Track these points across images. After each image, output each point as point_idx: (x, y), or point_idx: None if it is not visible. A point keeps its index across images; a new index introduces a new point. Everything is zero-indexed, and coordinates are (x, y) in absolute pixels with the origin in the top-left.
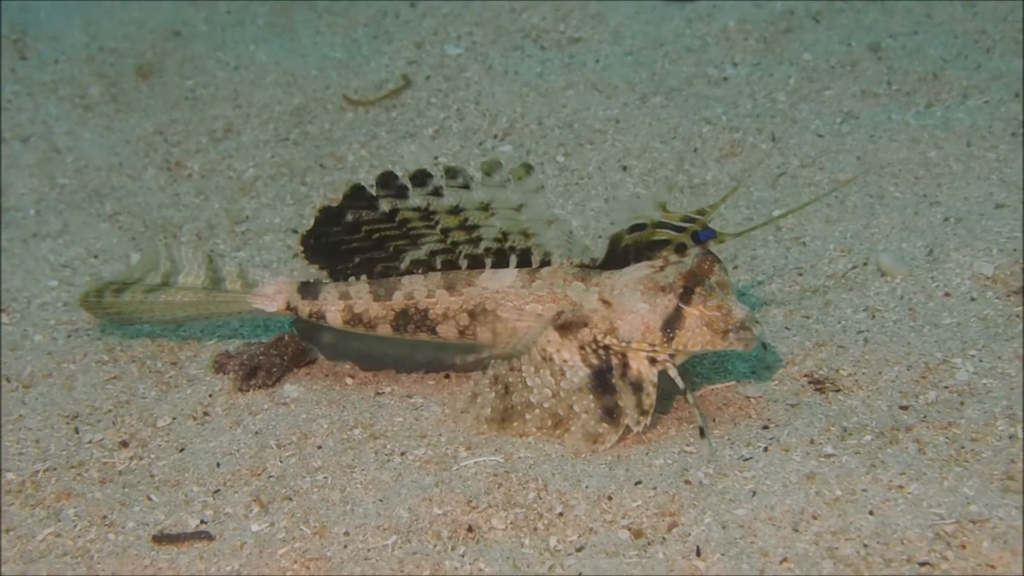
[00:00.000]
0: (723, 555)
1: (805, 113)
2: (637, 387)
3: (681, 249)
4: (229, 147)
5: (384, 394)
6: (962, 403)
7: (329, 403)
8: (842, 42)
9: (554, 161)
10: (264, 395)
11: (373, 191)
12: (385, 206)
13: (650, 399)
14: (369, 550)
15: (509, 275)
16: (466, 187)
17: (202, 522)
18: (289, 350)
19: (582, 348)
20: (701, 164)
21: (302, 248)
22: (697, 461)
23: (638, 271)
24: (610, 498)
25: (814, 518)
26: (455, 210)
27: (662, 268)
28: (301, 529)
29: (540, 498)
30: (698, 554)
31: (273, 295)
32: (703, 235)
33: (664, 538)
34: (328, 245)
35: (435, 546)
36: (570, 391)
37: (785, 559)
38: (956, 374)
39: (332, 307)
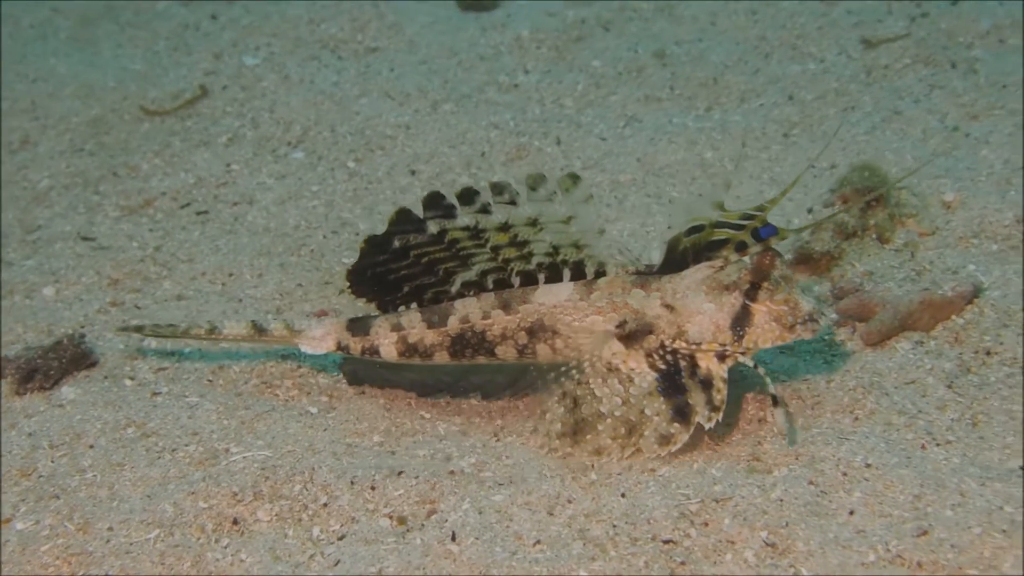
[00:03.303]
0: (477, 539)
1: (590, 117)
2: (707, 384)
3: (742, 248)
4: (25, 158)
5: (161, 394)
6: None
7: (105, 404)
8: (630, 49)
9: (345, 167)
10: (41, 398)
11: (420, 213)
12: (433, 228)
13: (720, 395)
14: (131, 544)
15: (565, 289)
16: (513, 203)
17: None
18: (68, 353)
19: (648, 356)
20: (488, 168)
21: (348, 283)
22: (460, 451)
23: (699, 272)
24: (373, 488)
25: (569, 502)
26: (504, 227)
27: (722, 268)
28: (65, 526)
29: (306, 490)
30: (453, 539)
31: (322, 337)
32: (764, 232)
33: (423, 525)
34: (375, 276)
35: (198, 539)
36: (640, 396)
37: (538, 541)
38: None
39: (385, 340)
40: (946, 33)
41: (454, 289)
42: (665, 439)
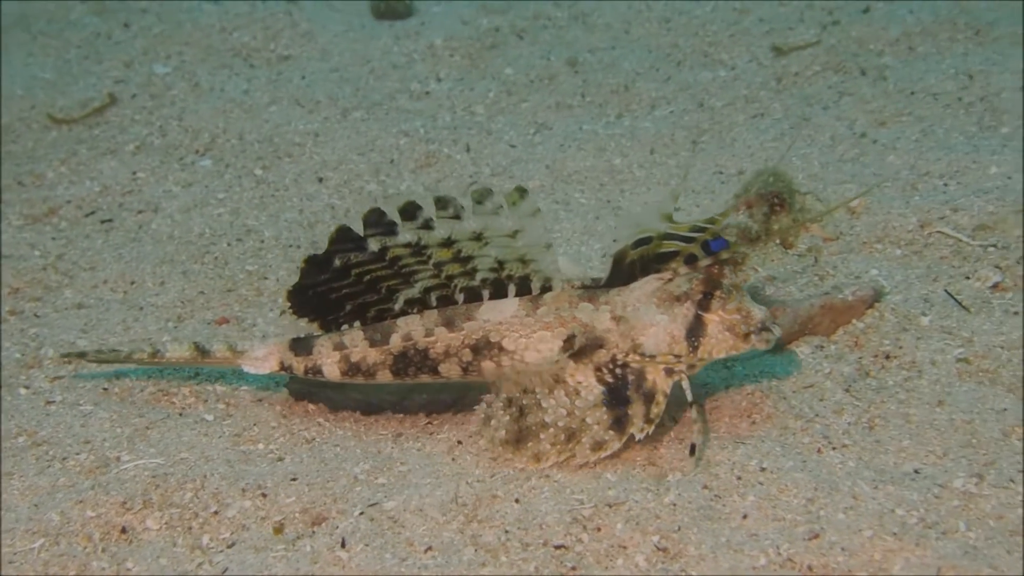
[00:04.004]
0: (367, 546)
1: (501, 125)
2: (649, 397)
3: (691, 261)
4: None
5: (54, 403)
6: None
7: None
8: (542, 57)
9: (252, 174)
10: None
11: (360, 231)
12: (374, 245)
13: (658, 408)
14: (15, 553)
15: (511, 305)
16: (457, 217)
17: None
18: None
19: (598, 370)
20: (397, 175)
21: (288, 304)
22: (355, 457)
23: (648, 284)
24: (264, 495)
25: (463, 508)
26: (447, 242)
27: (671, 279)
28: None
29: (197, 498)
30: (343, 546)
31: (265, 357)
32: (715, 245)
33: (313, 531)
34: (317, 296)
35: (84, 548)
36: (584, 408)
37: (429, 548)
38: None
39: (328, 359)
40: (856, 41)
41: (397, 307)
42: (599, 445)
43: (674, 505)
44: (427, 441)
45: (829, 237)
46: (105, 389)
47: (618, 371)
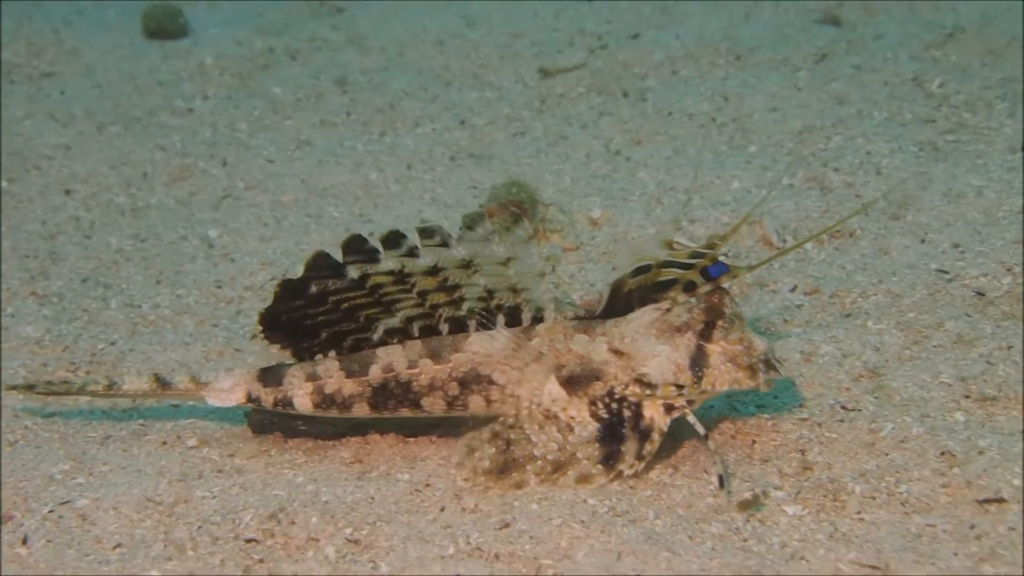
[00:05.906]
0: (49, 542)
1: (262, 141)
2: (644, 435)
3: (690, 288)
4: None
5: None
6: None
7: None
8: (312, 77)
9: None
10: None
11: (339, 257)
12: (354, 272)
13: (652, 446)
14: None
15: (501, 336)
16: (444, 245)
17: None
18: None
19: (592, 403)
20: (148, 188)
21: (261, 328)
22: (57, 458)
23: (645, 315)
24: None
25: (159, 506)
26: (433, 270)
27: (670, 309)
28: None
29: None
30: (24, 543)
31: (231, 388)
32: (714, 271)
33: None
34: (291, 321)
35: None
36: (577, 443)
37: (119, 544)
38: None
39: (299, 391)
40: (623, 64)
41: (376, 337)
42: (584, 478)
43: (372, 499)
44: (134, 443)
45: (569, 247)
46: None
47: (614, 406)
